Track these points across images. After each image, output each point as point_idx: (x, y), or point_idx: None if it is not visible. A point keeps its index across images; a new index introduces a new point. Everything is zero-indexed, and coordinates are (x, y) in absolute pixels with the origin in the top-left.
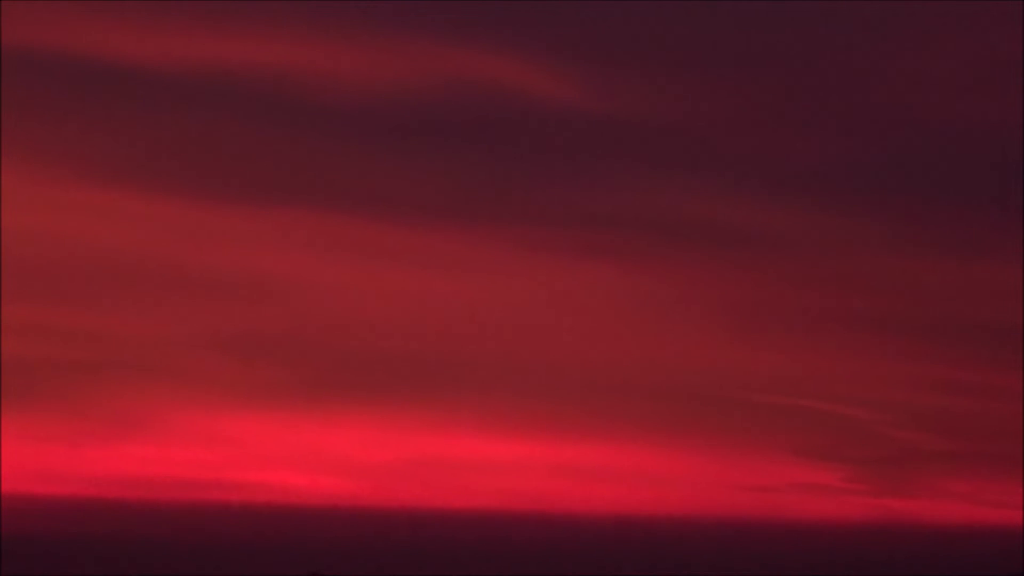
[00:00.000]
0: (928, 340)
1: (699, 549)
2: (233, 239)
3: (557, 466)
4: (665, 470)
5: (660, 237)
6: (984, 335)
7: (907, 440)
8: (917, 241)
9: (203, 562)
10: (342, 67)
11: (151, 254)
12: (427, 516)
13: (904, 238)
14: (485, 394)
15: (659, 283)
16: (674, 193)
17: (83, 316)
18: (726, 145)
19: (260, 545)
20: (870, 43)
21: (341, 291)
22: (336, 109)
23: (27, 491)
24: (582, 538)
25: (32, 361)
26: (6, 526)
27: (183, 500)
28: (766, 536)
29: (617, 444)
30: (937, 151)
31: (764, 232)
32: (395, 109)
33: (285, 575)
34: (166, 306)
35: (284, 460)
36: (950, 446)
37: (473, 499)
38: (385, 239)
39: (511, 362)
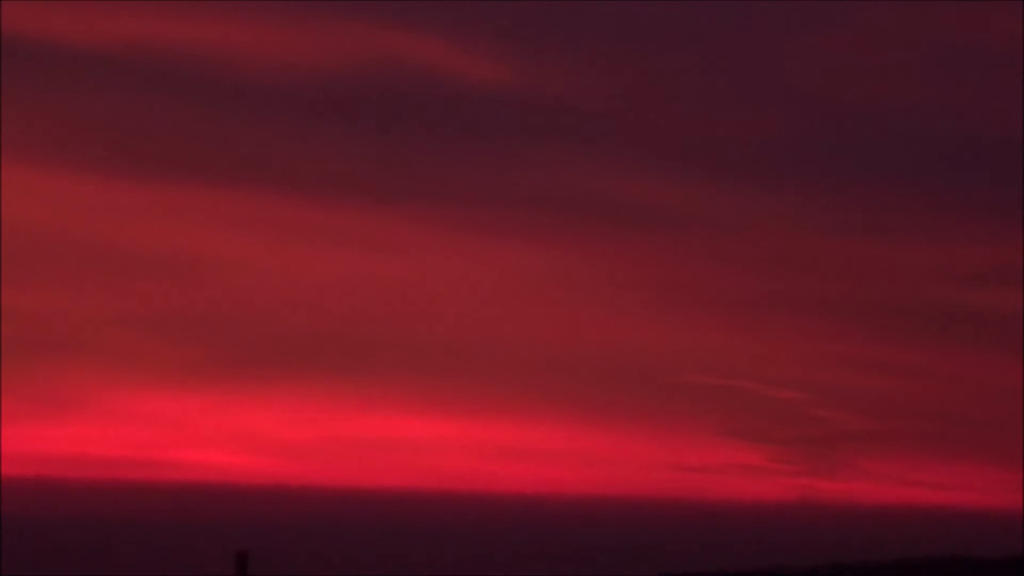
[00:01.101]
0: (853, 321)
1: (629, 528)
2: (159, 218)
3: (485, 446)
4: (594, 450)
5: (591, 217)
6: (909, 315)
7: (833, 420)
8: (844, 224)
9: (131, 541)
10: (265, 46)
11: (76, 233)
12: (354, 495)
13: (831, 221)
14: (411, 373)
15: (589, 263)
16: (603, 173)
17: (6, 295)
18: (657, 126)
19: (188, 524)
20: (803, 27)
21: (267, 270)
22: (261, 88)
23: None
24: (511, 517)
25: None
26: None
27: (111, 479)
28: (695, 515)
29: (545, 424)
30: (867, 134)
31: (695, 213)
32: (320, 88)
33: (213, 554)
34: (91, 285)
35: (212, 439)
36: (875, 426)
37: (399, 478)
38: (310, 218)
39: (437, 341)
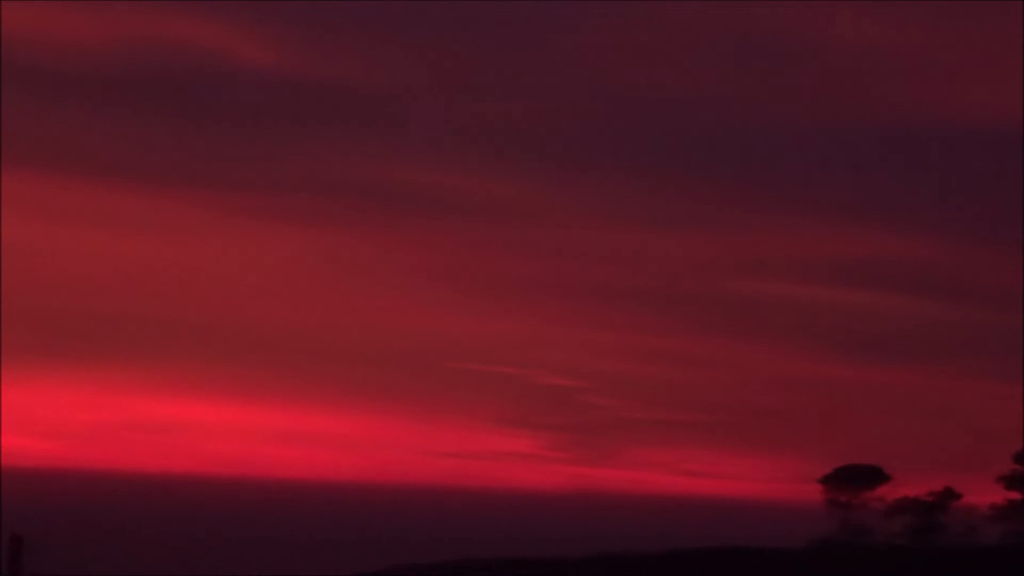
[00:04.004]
0: (635, 309)
1: (402, 514)
2: None
3: (265, 431)
4: (370, 436)
5: (373, 203)
6: (690, 304)
7: (610, 408)
8: (625, 211)
9: None
10: (47, 30)
11: None
12: (137, 479)
13: (615, 209)
14: (195, 357)
15: (369, 249)
16: (386, 160)
17: None
18: (435, 112)
19: None
20: (593, 17)
21: (51, 253)
22: (44, 72)
23: None
24: (289, 502)
25: None
26: None
27: None
28: (468, 503)
29: (324, 410)
30: (655, 125)
31: (471, 199)
32: (103, 72)
33: None
34: None
35: None
36: (653, 415)
37: (183, 463)
38: (93, 202)
39: (222, 326)
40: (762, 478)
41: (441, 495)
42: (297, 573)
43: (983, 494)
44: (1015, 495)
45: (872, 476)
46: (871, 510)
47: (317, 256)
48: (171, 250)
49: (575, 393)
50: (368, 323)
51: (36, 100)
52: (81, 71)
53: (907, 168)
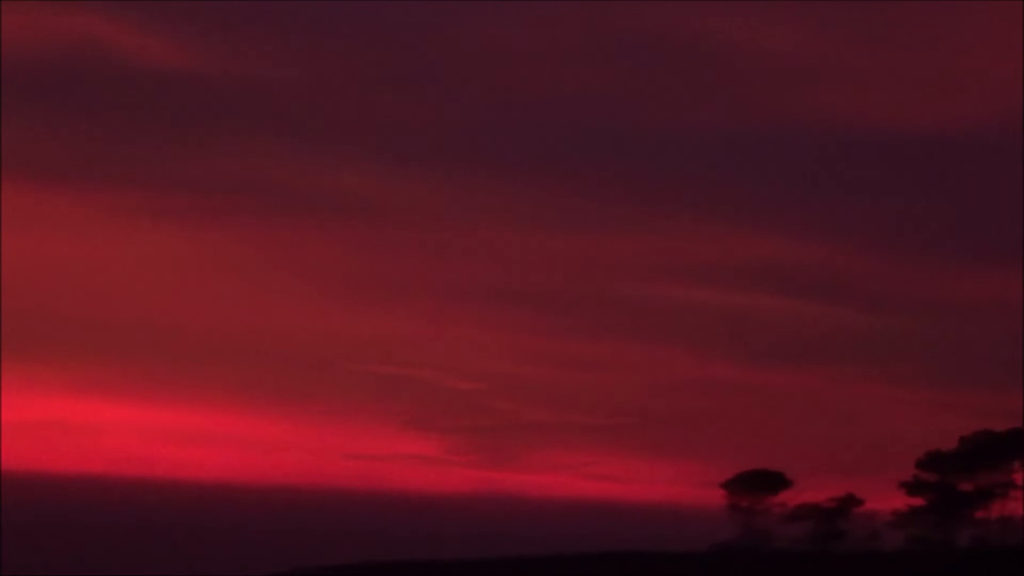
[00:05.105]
0: (530, 310)
1: (302, 516)
2: None
3: (160, 430)
4: (270, 437)
5: (268, 202)
6: (592, 307)
7: (511, 411)
8: (529, 212)
9: None
10: None
11: None
12: (22, 478)
13: (511, 210)
14: (82, 355)
15: (273, 249)
16: (277, 158)
17: None
18: (340, 111)
19: None
20: (486, 17)
21: None
22: None
23: None
24: (183, 503)
25: None
26: None
27: None
28: (369, 505)
29: (222, 409)
30: (550, 124)
31: (370, 199)
32: None
33: None
34: None
35: None
36: (555, 418)
37: (80, 462)
38: None
39: (113, 324)
40: (665, 482)
41: (342, 497)
42: (198, 574)
43: (885, 500)
44: (917, 501)
45: (774, 481)
46: (773, 515)
47: (217, 255)
48: (60, 247)
49: (477, 396)
50: (268, 324)
51: None
52: None
53: (804, 171)
